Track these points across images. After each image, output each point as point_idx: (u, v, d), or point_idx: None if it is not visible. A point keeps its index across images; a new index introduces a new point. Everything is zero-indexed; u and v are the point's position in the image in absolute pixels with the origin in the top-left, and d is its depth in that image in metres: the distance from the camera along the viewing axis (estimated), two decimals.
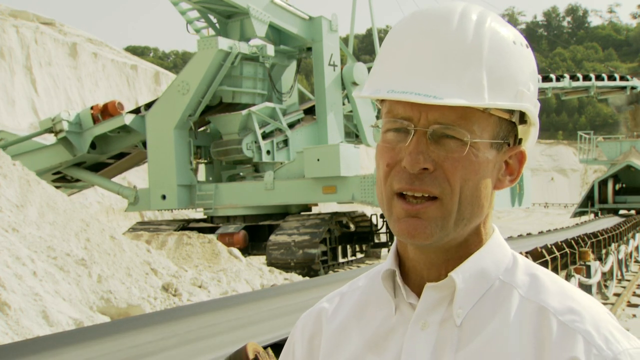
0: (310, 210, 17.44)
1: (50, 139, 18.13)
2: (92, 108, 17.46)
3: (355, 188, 15.06)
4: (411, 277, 0.92)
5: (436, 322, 0.87)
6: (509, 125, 0.88)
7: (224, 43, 15.68)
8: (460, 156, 0.83)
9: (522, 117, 0.89)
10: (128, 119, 16.78)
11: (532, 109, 0.87)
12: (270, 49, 16.96)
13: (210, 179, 17.92)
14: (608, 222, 19.03)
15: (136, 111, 17.72)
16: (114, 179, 19.33)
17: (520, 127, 0.90)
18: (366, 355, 0.91)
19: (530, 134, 0.91)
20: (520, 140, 0.91)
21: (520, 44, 0.87)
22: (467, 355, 0.84)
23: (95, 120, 17.09)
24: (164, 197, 16.43)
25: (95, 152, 17.40)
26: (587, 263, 8.26)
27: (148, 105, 17.91)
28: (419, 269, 0.90)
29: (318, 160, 15.14)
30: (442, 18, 0.85)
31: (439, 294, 0.87)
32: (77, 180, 18.50)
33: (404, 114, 0.85)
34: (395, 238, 0.93)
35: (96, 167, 18.55)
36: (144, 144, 17.64)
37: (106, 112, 17.17)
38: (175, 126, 16.19)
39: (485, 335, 0.84)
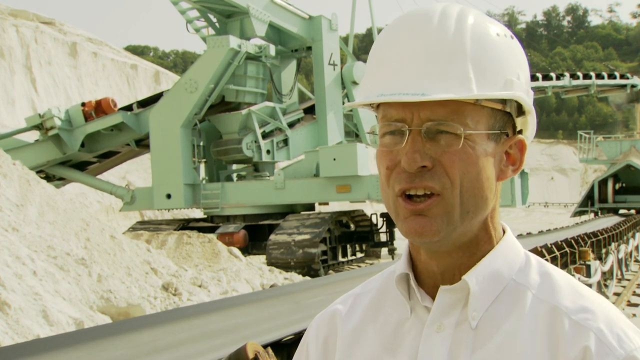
0: (314, 209, 17.46)
1: (30, 136, 17.86)
2: (83, 105, 17.12)
3: (370, 187, 15.15)
4: (424, 280, 0.92)
5: (451, 324, 0.88)
6: (504, 116, 0.88)
7: (234, 42, 15.71)
8: (457, 149, 0.84)
9: (520, 109, 0.91)
10: (125, 117, 16.70)
11: (524, 96, 0.87)
12: (272, 49, 16.99)
13: (207, 178, 17.91)
14: (608, 221, 19.03)
15: (128, 108, 17.53)
16: (108, 179, 19.17)
17: (519, 119, 0.91)
18: (382, 357, 0.92)
19: (528, 124, 0.93)
20: (521, 131, 0.92)
21: (505, 36, 0.88)
22: (483, 356, 0.85)
23: (87, 118, 16.85)
24: (169, 196, 16.37)
25: (84, 150, 17.16)
26: (587, 262, 8.26)
27: (141, 103, 17.80)
28: (432, 271, 0.91)
29: (334, 159, 15.20)
30: (423, 18, 0.87)
31: (454, 297, 0.88)
32: (61, 179, 18.03)
33: (397, 116, 0.86)
34: (407, 242, 0.94)
35: (78, 166, 18.23)
36: (137, 142, 17.56)
37: (100, 109, 16.88)
38: (182, 124, 16.16)
39: (500, 337, 0.85)
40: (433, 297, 0.90)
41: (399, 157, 0.86)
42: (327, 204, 17.45)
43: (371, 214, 17.17)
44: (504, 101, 0.87)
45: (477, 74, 0.83)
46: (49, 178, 17.36)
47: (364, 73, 0.93)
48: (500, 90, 0.85)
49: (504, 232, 0.94)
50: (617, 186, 28.24)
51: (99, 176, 19.05)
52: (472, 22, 0.86)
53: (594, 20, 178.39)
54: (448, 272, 0.90)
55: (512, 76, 0.86)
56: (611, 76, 30.66)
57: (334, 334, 0.99)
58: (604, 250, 10.86)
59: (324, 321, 1.02)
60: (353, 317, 0.98)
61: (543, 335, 0.84)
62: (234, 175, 18.27)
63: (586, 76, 29.37)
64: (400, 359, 0.90)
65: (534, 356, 0.83)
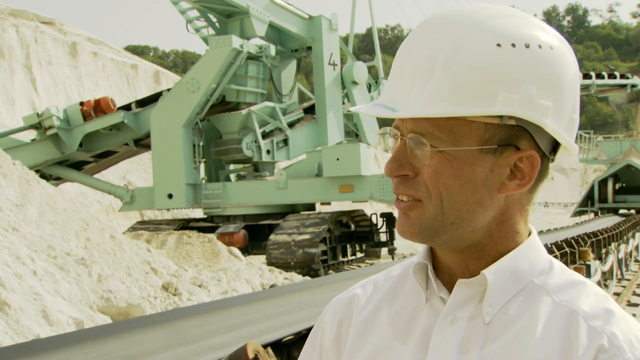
0: (314, 209, 17.49)
1: (25, 135, 17.81)
2: (81, 104, 17.09)
3: (373, 187, 15.18)
4: (442, 271, 0.94)
5: (465, 317, 0.88)
6: (507, 129, 0.85)
7: (236, 42, 15.73)
8: (433, 163, 0.85)
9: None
10: (125, 116, 16.69)
11: (522, 111, 0.82)
12: (273, 49, 17.00)
13: (206, 178, 17.91)
14: (608, 221, 19.03)
15: (127, 108, 17.52)
16: (108, 179, 19.14)
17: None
18: (394, 343, 0.93)
19: (557, 138, 0.87)
20: (558, 146, 0.89)
21: (512, 45, 0.83)
22: (493, 351, 0.86)
23: (85, 117, 16.81)
24: (170, 195, 16.38)
25: (82, 149, 17.11)
26: (587, 262, 8.26)
27: (140, 102, 17.80)
28: (447, 263, 0.93)
29: (337, 159, 15.23)
30: (427, 27, 0.87)
31: (470, 291, 0.89)
32: (57, 178, 17.97)
33: (395, 123, 0.90)
34: None
35: (75, 166, 18.17)
36: (135, 141, 17.55)
37: (99, 108, 16.85)
38: (184, 124, 16.17)
39: (511, 333, 0.86)
40: (450, 289, 0.91)
41: None
42: (329, 203, 17.47)
43: (371, 214, 17.18)
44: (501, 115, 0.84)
45: (456, 89, 0.81)
46: (45, 177, 17.29)
47: None
48: (485, 106, 0.82)
49: (530, 234, 0.93)
50: (617, 186, 28.22)
51: (99, 176, 19.02)
52: (470, 30, 0.83)
53: (594, 20, 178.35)
54: (458, 266, 0.91)
55: (509, 91, 0.82)
56: (611, 76, 30.62)
57: (349, 318, 1.00)
58: (604, 250, 10.86)
59: (340, 305, 1.03)
60: (370, 304, 1.00)
61: (556, 336, 0.84)
62: (232, 176, 18.28)
63: (586, 76, 29.35)
64: (412, 347, 0.91)
65: (544, 352, 0.83)
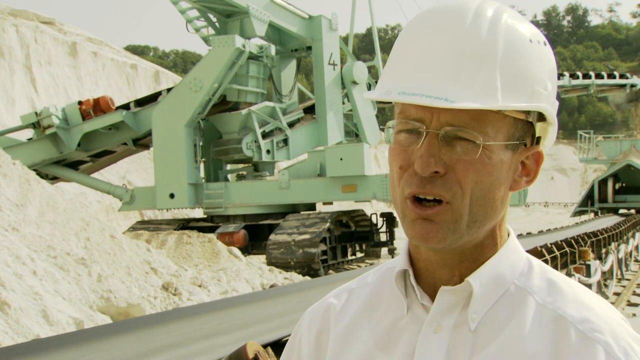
0: (315, 209, 17.49)
1: (22, 134, 17.80)
2: (80, 103, 17.04)
3: (376, 187, 15.22)
4: (423, 278, 0.90)
5: (449, 325, 0.86)
6: (525, 125, 0.85)
7: (239, 41, 15.74)
8: (473, 159, 0.81)
9: (541, 115, 0.87)
10: (125, 115, 16.68)
11: (550, 108, 0.85)
12: (273, 49, 17.01)
13: (205, 178, 17.92)
14: (608, 221, 19.04)
15: (125, 107, 17.48)
16: (109, 179, 19.11)
17: (539, 125, 0.88)
18: (376, 355, 0.90)
19: (548, 133, 0.89)
20: (539, 139, 0.89)
21: (538, 42, 0.84)
22: None
23: (84, 116, 16.78)
24: (172, 195, 16.37)
25: (80, 149, 17.05)
26: (587, 262, 8.25)
27: (139, 102, 17.78)
28: (431, 270, 0.89)
29: (341, 159, 15.27)
30: (456, 14, 0.83)
31: (454, 298, 0.86)
32: (54, 178, 17.90)
33: (415, 115, 0.83)
34: (407, 239, 0.92)
35: (72, 165, 18.11)
36: (134, 141, 17.53)
37: (98, 107, 16.79)
38: (186, 123, 16.17)
39: (500, 342, 0.83)
40: (431, 296, 0.88)
41: (413, 158, 0.83)
42: (331, 203, 17.49)
43: (371, 214, 17.19)
44: (527, 111, 0.84)
45: (504, 82, 0.80)
46: (41, 177, 17.22)
47: (387, 63, 0.89)
48: (526, 101, 0.82)
49: (508, 234, 0.92)
50: (617, 186, 28.26)
51: (99, 176, 18.99)
52: (506, 25, 0.82)
53: (594, 20, 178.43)
54: (447, 271, 0.88)
55: (540, 87, 0.83)
56: (611, 76, 30.68)
57: (327, 329, 0.97)
58: (604, 250, 10.86)
59: (317, 315, 0.99)
60: (347, 313, 0.96)
61: (547, 343, 0.82)
62: (230, 176, 18.28)
63: (585, 76, 29.40)
64: (395, 357, 0.88)
65: None
